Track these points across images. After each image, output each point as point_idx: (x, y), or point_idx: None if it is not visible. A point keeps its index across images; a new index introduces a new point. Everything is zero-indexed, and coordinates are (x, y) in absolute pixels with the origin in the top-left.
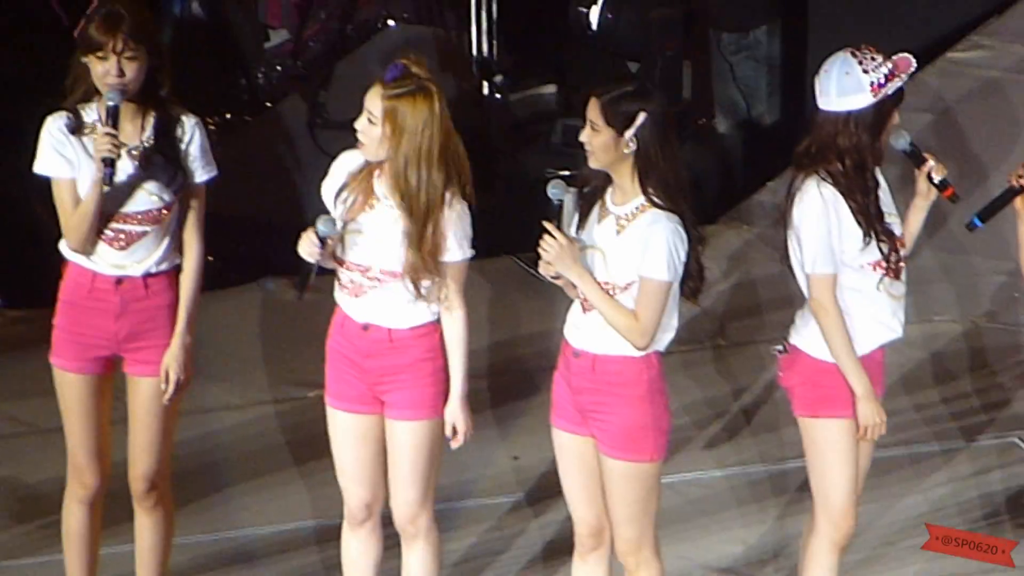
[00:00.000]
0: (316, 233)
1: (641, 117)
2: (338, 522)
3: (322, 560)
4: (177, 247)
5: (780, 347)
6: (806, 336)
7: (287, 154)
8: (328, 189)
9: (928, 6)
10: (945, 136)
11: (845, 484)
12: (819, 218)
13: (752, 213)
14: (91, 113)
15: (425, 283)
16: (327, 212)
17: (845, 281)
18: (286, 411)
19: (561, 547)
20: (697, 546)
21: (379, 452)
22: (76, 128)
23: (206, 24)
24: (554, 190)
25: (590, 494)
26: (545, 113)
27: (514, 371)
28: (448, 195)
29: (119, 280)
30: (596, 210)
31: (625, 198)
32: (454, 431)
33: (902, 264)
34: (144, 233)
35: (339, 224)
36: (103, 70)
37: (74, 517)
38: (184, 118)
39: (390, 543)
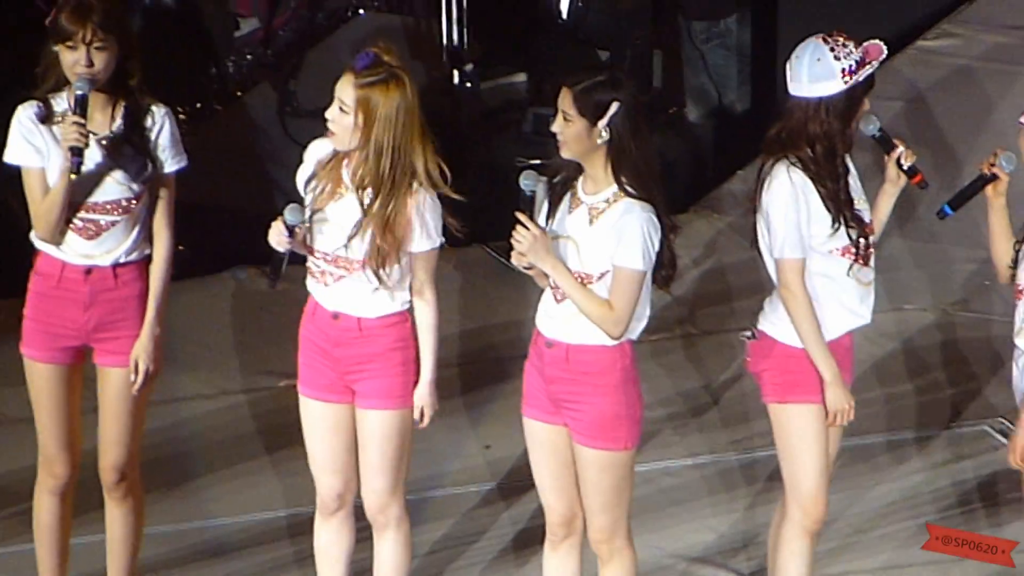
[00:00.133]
0: (285, 223)
1: (614, 107)
2: (310, 512)
3: (293, 550)
4: (147, 237)
5: (749, 333)
6: (774, 322)
7: (257, 143)
8: (301, 178)
9: None
10: (916, 124)
11: (815, 469)
12: (788, 203)
13: (723, 202)
14: (62, 102)
15: (391, 272)
16: (299, 200)
17: (814, 267)
18: (257, 400)
19: (532, 537)
20: (669, 535)
21: (351, 441)
22: (46, 117)
23: (176, 13)
24: (526, 181)
25: (562, 483)
26: (515, 102)
27: (485, 360)
28: (416, 183)
29: (88, 270)
30: (567, 200)
31: (597, 187)
32: (422, 414)
33: (871, 250)
34: (113, 223)
35: (308, 212)
36: (72, 59)
37: (44, 508)
38: (154, 108)
39: (363, 535)
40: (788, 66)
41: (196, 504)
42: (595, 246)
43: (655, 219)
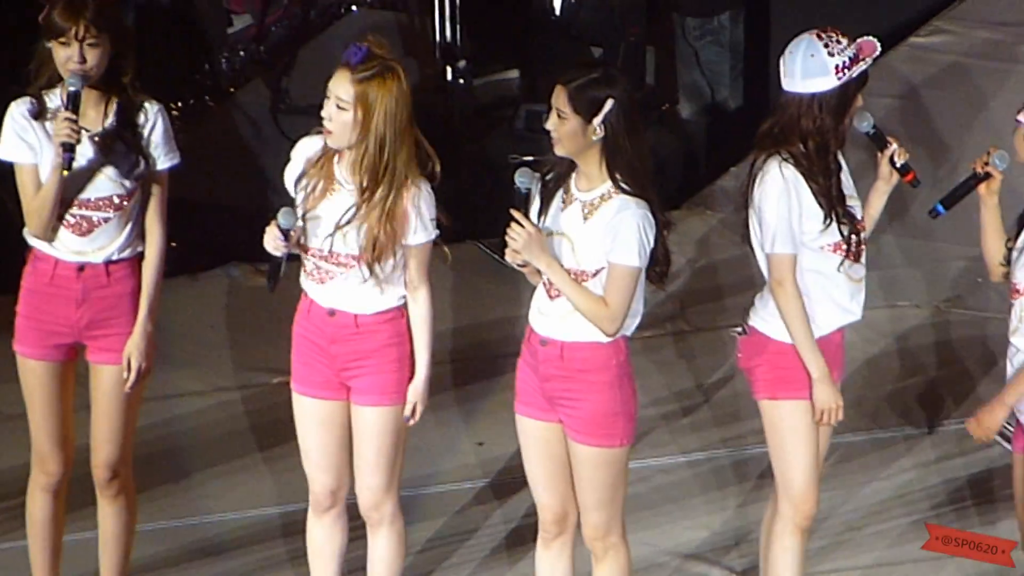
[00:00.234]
0: (279, 227)
1: (609, 104)
2: (303, 509)
3: (286, 547)
4: (139, 234)
5: (740, 329)
6: (765, 318)
7: (250, 140)
8: (289, 176)
9: None
10: (909, 121)
11: (806, 465)
12: (780, 198)
13: (716, 199)
14: (55, 99)
15: (385, 266)
16: (290, 199)
17: (805, 263)
18: (250, 397)
19: (525, 534)
20: (661, 532)
21: (344, 438)
22: (39, 113)
23: (169, 10)
24: (521, 179)
25: (555, 481)
26: (508, 98)
27: (478, 357)
28: (411, 176)
29: (81, 267)
30: (559, 197)
31: (591, 184)
32: (413, 409)
33: (862, 247)
34: (106, 219)
35: (300, 213)
36: (65, 56)
37: (38, 505)
38: (147, 105)
39: (357, 534)
40: (781, 62)
41: (189, 501)
42: (590, 243)
43: (650, 216)
